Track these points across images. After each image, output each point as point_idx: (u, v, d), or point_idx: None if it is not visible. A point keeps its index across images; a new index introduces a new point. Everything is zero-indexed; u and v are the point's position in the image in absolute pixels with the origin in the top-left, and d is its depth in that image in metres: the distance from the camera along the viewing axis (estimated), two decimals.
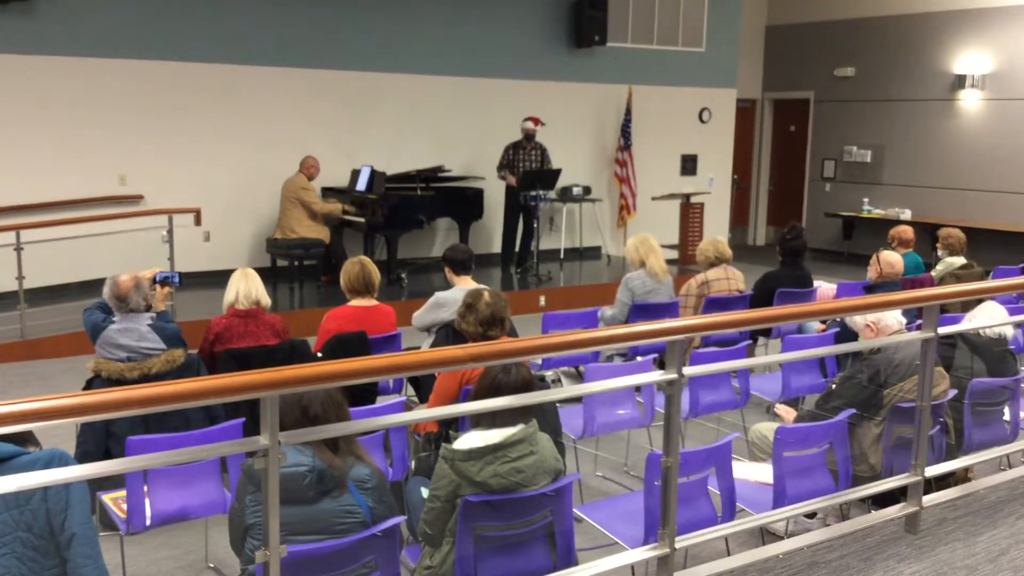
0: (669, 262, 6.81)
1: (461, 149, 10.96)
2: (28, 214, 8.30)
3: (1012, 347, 4.98)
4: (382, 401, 4.94)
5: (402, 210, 9.61)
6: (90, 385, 4.35)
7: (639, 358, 5.69)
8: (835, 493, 3.89)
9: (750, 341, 6.51)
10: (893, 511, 4.11)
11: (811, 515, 4.22)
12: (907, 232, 7.55)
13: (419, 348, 4.99)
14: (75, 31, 8.81)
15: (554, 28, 11.57)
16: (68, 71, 8.82)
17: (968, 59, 12.59)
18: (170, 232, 8.22)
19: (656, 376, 3.43)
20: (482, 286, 4.59)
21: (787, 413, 4.71)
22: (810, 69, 14.49)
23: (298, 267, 9.52)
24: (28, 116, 8.69)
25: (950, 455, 4.47)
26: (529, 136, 10.55)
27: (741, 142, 14.25)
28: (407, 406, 4.63)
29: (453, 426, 3.73)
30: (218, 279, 6.62)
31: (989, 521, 4.20)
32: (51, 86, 8.78)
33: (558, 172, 10.65)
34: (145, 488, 3.53)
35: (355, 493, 2.83)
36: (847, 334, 5.35)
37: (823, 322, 6.22)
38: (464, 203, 10.41)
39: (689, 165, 13.05)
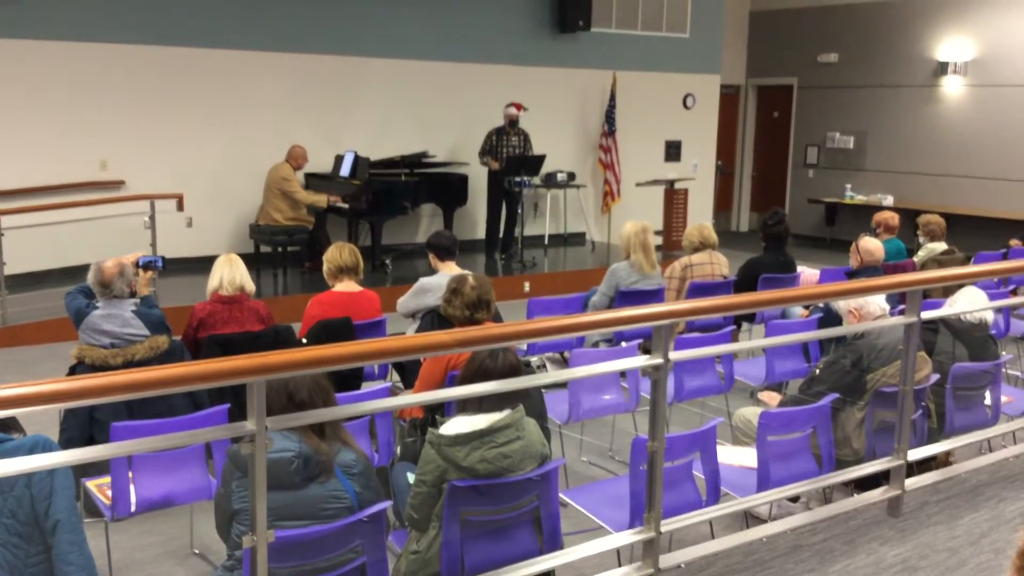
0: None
1: (445, 135, 10.92)
2: (8, 199, 8.21)
3: (993, 332, 5.03)
4: (367, 387, 4.95)
5: (386, 196, 9.58)
6: (73, 371, 4.32)
7: (624, 343, 5.70)
8: (818, 477, 3.92)
9: (734, 326, 6.54)
10: (876, 495, 4.15)
11: (795, 499, 4.25)
12: (893, 219, 7.54)
13: (404, 334, 4.98)
14: (54, 15, 8.70)
15: (538, 13, 11.53)
16: (48, 55, 8.71)
17: (951, 46, 12.63)
18: (152, 218, 8.15)
19: (642, 361, 3.45)
20: (466, 271, 4.60)
21: (771, 398, 4.74)
22: (793, 55, 14.50)
23: (282, 253, 9.47)
24: (7, 101, 8.58)
25: (932, 439, 4.51)
26: (512, 122, 10.51)
27: (725, 128, 14.27)
28: (392, 392, 4.63)
29: (439, 411, 3.73)
30: (201, 265, 6.59)
31: (970, 504, 4.24)
32: (31, 70, 8.67)
33: (542, 158, 10.64)
34: (130, 474, 3.52)
35: (342, 478, 2.83)
36: (830, 319, 5.38)
37: (806, 307, 6.25)
38: (448, 189, 10.39)
39: (673, 151, 13.06)
